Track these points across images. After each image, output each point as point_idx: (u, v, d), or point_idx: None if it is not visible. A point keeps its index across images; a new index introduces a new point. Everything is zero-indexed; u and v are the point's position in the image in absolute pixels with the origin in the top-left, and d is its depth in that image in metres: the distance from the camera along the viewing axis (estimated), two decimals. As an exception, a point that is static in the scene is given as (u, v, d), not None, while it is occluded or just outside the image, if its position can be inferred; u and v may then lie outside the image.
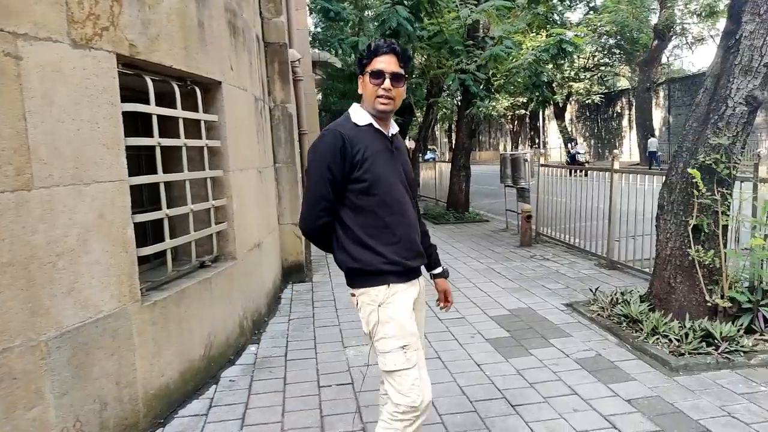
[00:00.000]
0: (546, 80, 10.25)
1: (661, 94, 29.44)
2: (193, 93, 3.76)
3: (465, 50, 9.79)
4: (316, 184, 2.07)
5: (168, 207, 3.43)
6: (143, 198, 3.86)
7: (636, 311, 4.19)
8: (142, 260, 3.37)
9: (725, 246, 4.03)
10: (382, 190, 2.05)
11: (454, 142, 11.75)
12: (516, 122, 41.78)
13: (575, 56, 29.57)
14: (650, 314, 4.13)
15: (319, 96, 28.12)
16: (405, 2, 9.14)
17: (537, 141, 39.58)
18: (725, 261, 3.96)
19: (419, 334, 2.16)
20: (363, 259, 2.05)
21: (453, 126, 21.18)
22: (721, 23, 28.97)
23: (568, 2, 29.13)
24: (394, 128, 2.19)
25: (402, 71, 2.07)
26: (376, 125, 2.10)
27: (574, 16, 31.02)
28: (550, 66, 10.35)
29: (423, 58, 12.33)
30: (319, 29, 22.64)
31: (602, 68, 32.94)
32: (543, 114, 37.74)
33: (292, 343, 4.23)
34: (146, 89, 3.23)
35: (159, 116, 3.37)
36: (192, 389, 3.39)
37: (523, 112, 37.05)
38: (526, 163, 8.52)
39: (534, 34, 12.51)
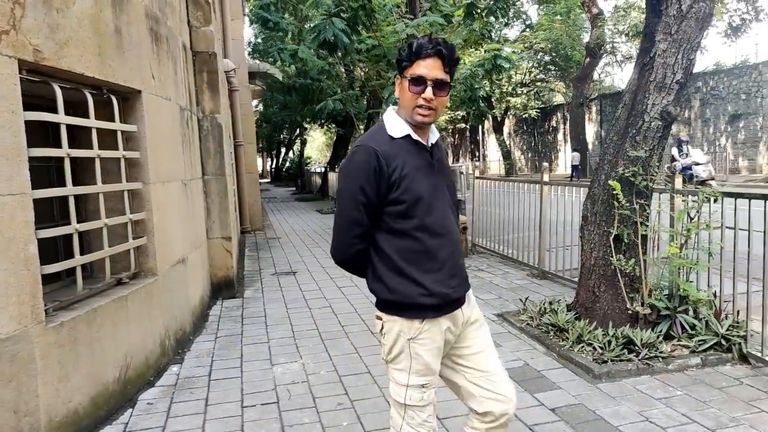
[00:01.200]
0: (482, 95, 10.43)
1: (594, 109, 30.73)
2: (110, 102, 3.59)
3: (402, 63, 9.88)
4: (347, 209, 1.83)
5: (85, 221, 3.25)
6: (55, 212, 3.64)
7: (563, 320, 4.27)
8: (51, 278, 3.18)
9: (645, 255, 4.17)
10: (422, 211, 1.81)
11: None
12: (456, 136, 42.55)
13: (513, 72, 30.51)
14: (576, 323, 4.22)
15: (260, 107, 27.83)
16: (342, 15, 9.15)
17: (477, 154, 40.45)
18: (645, 270, 4.10)
19: (493, 357, 2.01)
20: (400, 290, 1.83)
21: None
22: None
23: (504, 20, 30.08)
24: (434, 135, 1.94)
25: (447, 77, 1.82)
26: (414, 135, 1.86)
27: (512, 33, 31.99)
28: (486, 81, 10.55)
29: (363, 71, 12.40)
30: (259, 40, 22.43)
31: (538, 84, 34.03)
32: (482, 128, 38.63)
33: (218, 362, 4.07)
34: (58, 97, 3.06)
35: (73, 126, 3.19)
36: (105, 414, 3.19)
37: (462, 125, 37.80)
38: (461, 175, 8.63)
39: (472, 49, 12.80)
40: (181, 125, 4.77)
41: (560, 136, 35.03)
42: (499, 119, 33.55)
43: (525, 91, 33.30)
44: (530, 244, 6.80)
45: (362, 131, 17.34)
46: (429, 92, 1.78)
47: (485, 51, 10.17)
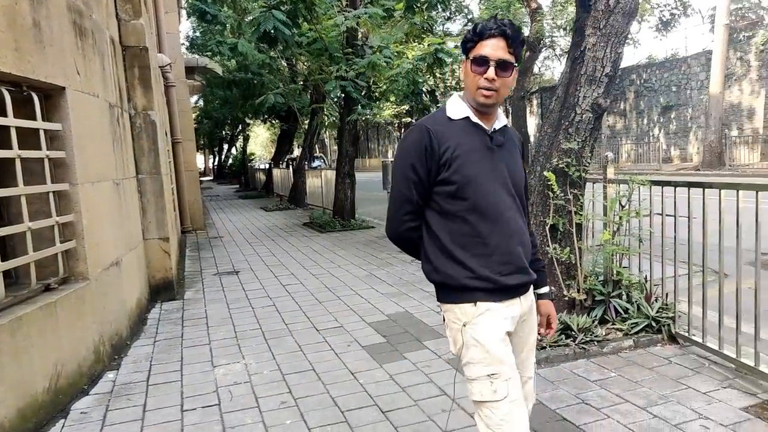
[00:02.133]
0: (424, 89, 10.51)
1: (535, 102, 31.53)
2: (30, 99, 3.40)
3: (344, 58, 9.85)
4: (399, 186, 1.86)
5: (7, 224, 3.07)
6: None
7: (503, 309, 4.36)
8: (-30, 287, 3.00)
9: (580, 243, 4.31)
10: (474, 193, 1.78)
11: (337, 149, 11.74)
12: (403, 130, 42.77)
13: (456, 66, 30.85)
14: (517, 311, 4.32)
15: (201, 103, 27.16)
16: (281, 8, 9.01)
17: (423, 147, 40.75)
18: (580, 257, 4.23)
19: (529, 360, 1.98)
20: (447, 271, 1.81)
21: (339, 133, 21.17)
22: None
23: (446, 14, 30.35)
24: (500, 121, 1.89)
25: (512, 58, 1.78)
26: (474, 118, 1.83)
27: (454, 27, 32.36)
28: (428, 75, 10.61)
29: (305, 65, 12.26)
30: (198, 33, 21.84)
31: (481, 77, 34.57)
32: (428, 121, 38.94)
33: (156, 366, 3.95)
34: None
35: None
36: (34, 427, 3.04)
37: (409, 120, 38.00)
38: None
39: (416, 43, 12.85)
40: (111, 123, 4.58)
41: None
42: (443, 113, 33.87)
43: (468, 85, 33.76)
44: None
45: (306, 126, 17.19)
46: (491, 72, 1.75)
47: (428, 45, 10.23)
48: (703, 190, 3.61)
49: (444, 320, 1.90)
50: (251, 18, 9.06)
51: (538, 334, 2.08)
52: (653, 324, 4.00)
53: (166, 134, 8.90)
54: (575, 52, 4.23)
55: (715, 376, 3.36)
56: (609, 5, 3.99)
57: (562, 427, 2.87)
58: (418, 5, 9.88)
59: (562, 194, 4.16)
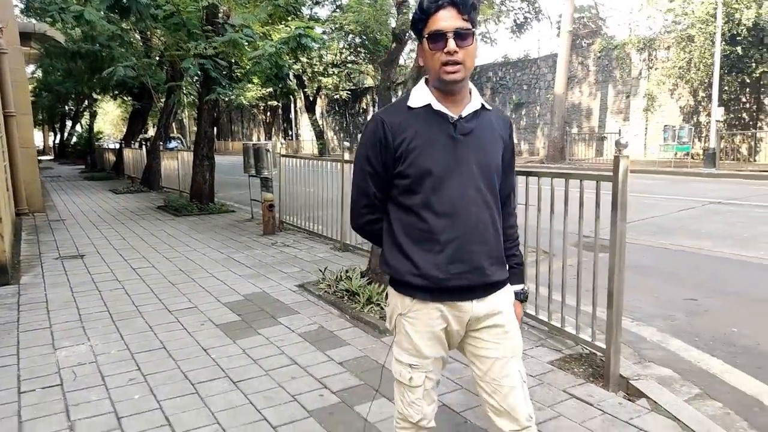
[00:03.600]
0: (288, 73, 10.50)
1: (400, 92, 32.48)
2: None
3: (204, 35, 9.54)
4: (356, 178, 1.81)
5: None
6: None
7: (355, 285, 4.64)
8: None
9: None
10: (428, 187, 1.68)
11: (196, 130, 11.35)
12: (269, 113, 42.01)
13: (324, 52, 30.91)
14: (368, 287, 4.61)
15: (39, 73, 24.49)
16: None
17: (290, 133, 40.42)
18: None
19: (507, 368, 1.79)
20: (394, 265, 1.76)
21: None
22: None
23: (311, 0, 30.20)
24: (474, 105, 1.74)
25: (468, 25, 1.63)
26: (437, 105, 1.70)
27: (323, 11, 32.32)
28: (291, 59, 10.61)
29: (161, 40, 11.65)
30: (36, -5, 19.67)
31: (349, 65, 34.95)
32: (295, 107, 38.64)
33: (-13, 352, 3.69)
34: None
35: None
36: None
37: (275, 103, 37.42)
38: (268, 153, 8.66)
39: (282, 26, 12.71)
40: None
41: (370, 118, 36.55)
42: (311, 98, 33.84)
43: (336, 72, 33.98)
44: (333, 220, 7.14)
45: (162, 105, 16.33)
46: (451, 44, 1.61)
47: (295, 28, 10.22)
48: (539, 179, 3.85)
49: (386, 297, 1.91)
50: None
51: None
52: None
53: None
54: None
55: (531, 338, 3.86)
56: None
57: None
58: (282, -13, 9.83)
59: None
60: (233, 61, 10.15)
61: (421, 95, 1.73)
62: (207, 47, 9.28)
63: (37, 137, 64.04)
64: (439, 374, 1.86)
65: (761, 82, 19.15)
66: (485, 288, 1.76)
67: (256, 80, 12.46)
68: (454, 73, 1.64)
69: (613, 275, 3.24)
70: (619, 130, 21.27)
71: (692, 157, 19.82)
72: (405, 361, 1.79)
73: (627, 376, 3.18)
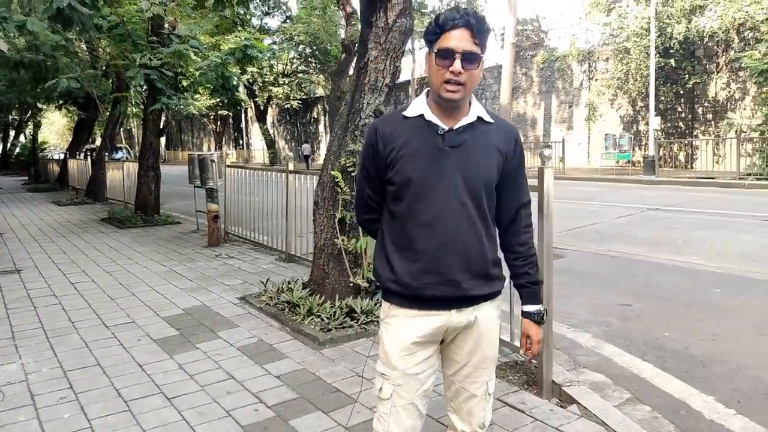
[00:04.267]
0: (235, 84, 10.46)
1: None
2: None
3: (149, 46, 9.43)
4: (358, 180, 1.95)
5: None
6: None
7: (297, 297, 4.68)
8: None
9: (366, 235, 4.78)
10: (411, 195, 1.73)
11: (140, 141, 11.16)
12: (219, 123, 41.46)
13: (274, 62, 30.80)
14: (309, 298, 4.65)
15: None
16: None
17: (241, 142, 39.97)
18: (366, 247, 4.70)
19: (474, 377, 1.85)
20: (378, 270, 1.83)
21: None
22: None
23: (264, 9, 30.09)
24: (469, 118, 1.76)
25: (478, 50, 1.67)
26: (429, 116, 1.74)
27: (273, 22, 32.23)
28: (237, 69, 10.57)
29: (105, 50, 11.42)
30: (-25, 2, 18.94)
31: (300, 75, 34.91)
32: (245, 116, 38.28)
33: None
34: None
35: None
36: None
37: (225, 113, 36.99)
38: (213, 163, 8.60)
39: (231, 36, 12.64)
40: None
41: (321, 127, 36.54)
42: (262, 108, 33.59)
43: (287, 82, 33.88)
44: (278, 230, 7.15)
45: (107, 116, 15.95)
46: (457, 65, 1.65)
47: (244, 39, 10.20)
48: None
49: None
50: (41, -10, 8.19)
51: (521, 353, 2.05)
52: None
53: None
54: (360, 62, 4.69)
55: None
56: (388, 23, 4.49)
57: (336, 397, 3.24)
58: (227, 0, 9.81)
59: (348, 190, 4.59)
60: (179, 71, 10.04)
61: (417, 105, 1.78)
62: (152, 58, 9.18)
63: (-24, 147, 61.29)
64: (414, 398, 1.80)
65: (694, 92, 20.20)
66: (462, 300, 1.77)
67: (202, 90, 12.34)
68: (454, 92, 1.68)
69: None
70: (563, 139, 21.96)
71: (633, 165, 20.70)
72: (378, 370, 1.83)
73: (560, 382, 3.27)
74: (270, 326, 4.44)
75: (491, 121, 1.81)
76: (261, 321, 4.57)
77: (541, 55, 25.28)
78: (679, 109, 20.85)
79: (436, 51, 1.69)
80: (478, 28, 1.66)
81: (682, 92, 20.37)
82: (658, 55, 18.91)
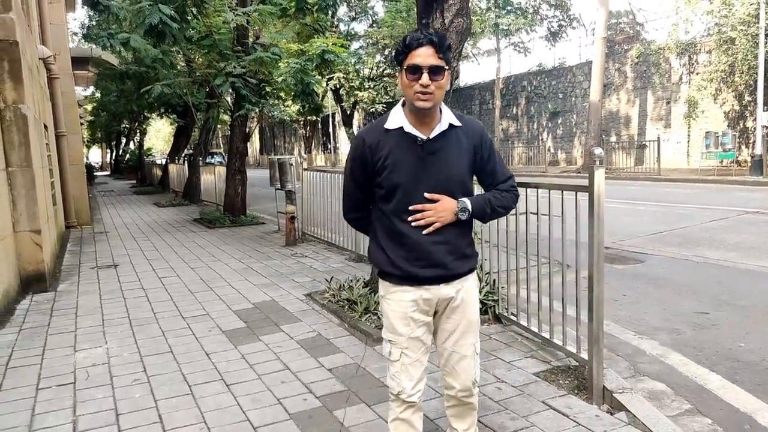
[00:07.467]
0: (314, 89, 10.84)
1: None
2: None
3: (234, 55, 10.01)
4: (345, 182, 2.24)
5: None
6: None
7: (356, 295, 4.85)
8: None
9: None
10: (398, 198, 2.06)
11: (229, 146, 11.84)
12: (308, 128, 42.82)
13: (361, 66, 31.39)
14: (368, 297, 4.81)
15: (98, 94, 25.91)
16: (169, 2, 9.03)
17: (329, 146, 41.08)
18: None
19: (463, 341, 2.22)
20: (376, 257, 2.18)
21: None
22: (482, 43, 33.10)
23: (351, 14, 30.70)
24: (442, 125, 2.06)
25: (442, 63, 1.95)
26: (408, 128, 2.04)
27: (360, 27, 32.88)
28: (316, 74, 10.93)
29: (198, 60, 12.23)
30: (94, 22, 20.89)
31: (385, 79, 35.36)
32: (333, 121, 39.31)
33: (18, 352, 4.09)
34: None
35: None
36: None
37: (314, 118, 38.16)
38: (291, 167, 9.00)
39: (308, 44, 13.10)
40: (-27, 116, 4.61)
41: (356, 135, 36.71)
42: (348, 112, 34.34)
43: (372, 86, 34.40)
44: (350, 231, 7.38)
45: (201, 122, 17.04)
46: (425, 78, 1.92)
47: (321, 44, 10.57)
48: (549, 191, 3.69)
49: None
50: (137, 8, 8.94)
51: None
52: (480, 306, 4.59)
53: (46, 127, 8.71)
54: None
55: (522, 349, 3.94)
56: (444, 24, 4.55)
57: (382, 391, 3.31)
58: (308, 7, 10.21)
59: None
60: (262, 78, 10.58)
61: (395, 118, 2.07)
62: (237, 66, 9.75)
63: (97, 154, 67.19)
64: (419, 355, 2.17)
65: (810, 85, 18.42)
66: (449, 278, 2.14)
67: (285, 96, 12.88)
68: (425, 101, 1.96)
69: (592, 286, 3.20)
70: (658, 138, 20.78)
71: (739, 165, 19.22)
72: (385, 337, 2.20)
73: (611, 389, 3.17)
74: (330, 322, 4.64)
75: (459, 124, 2.12)
76: (322, 317, 4.78)
77: (636, 48, 23.99)
78: (793, 103, 19.11)
79: (405, 67, 1.97)
80: (440, 45, 1.94)
81: (795, 84, 18.65)
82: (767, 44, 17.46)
